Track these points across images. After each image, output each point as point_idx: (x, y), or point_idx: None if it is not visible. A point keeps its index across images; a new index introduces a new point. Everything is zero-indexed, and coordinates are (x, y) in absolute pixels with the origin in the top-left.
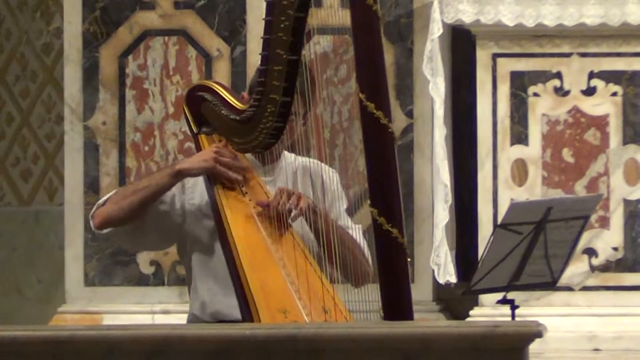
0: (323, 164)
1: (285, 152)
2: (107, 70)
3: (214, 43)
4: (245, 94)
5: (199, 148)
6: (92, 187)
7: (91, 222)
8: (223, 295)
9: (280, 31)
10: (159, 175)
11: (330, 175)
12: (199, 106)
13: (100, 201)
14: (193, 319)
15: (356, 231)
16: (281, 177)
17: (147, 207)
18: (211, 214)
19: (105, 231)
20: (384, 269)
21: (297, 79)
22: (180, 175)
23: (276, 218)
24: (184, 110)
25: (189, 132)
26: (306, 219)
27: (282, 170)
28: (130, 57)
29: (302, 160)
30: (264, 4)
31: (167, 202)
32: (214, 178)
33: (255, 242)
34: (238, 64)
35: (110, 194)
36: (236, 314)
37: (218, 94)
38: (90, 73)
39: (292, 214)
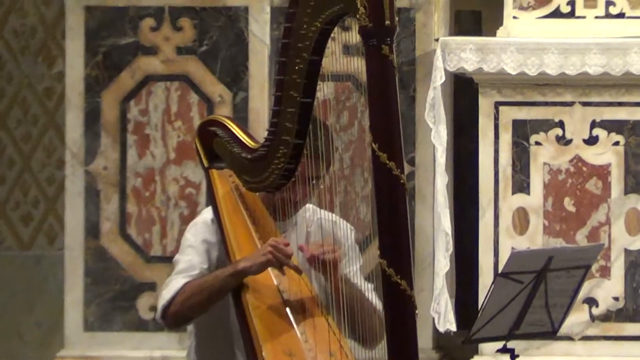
0: (341, 220)
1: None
2: (109, 115)
3: (216, 89)
4: None
5: (209, 183)
6: (92, 232)
7: (162, 322)
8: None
9: (294, 73)
10: (222, 274)
11: (347, 233)
12: (211, 141)
13: (165, 300)
14: None
15: (369, 291)
16: (295, 229)
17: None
18: None
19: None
20: (391, 320)
21: (312, 142)
22: (242, 275)
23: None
24: (195, 143)
25: (200, 166)
26: (327, 275)
27: (296, 224)
28: (132, 102)
29: (320, 214)
30: (266, 49)
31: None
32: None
33: (263, 283)
34: (240, 110)
35: (173, 292)
36: None
37: (230, 130)
38: (92, 118)
39: (327, 256)
